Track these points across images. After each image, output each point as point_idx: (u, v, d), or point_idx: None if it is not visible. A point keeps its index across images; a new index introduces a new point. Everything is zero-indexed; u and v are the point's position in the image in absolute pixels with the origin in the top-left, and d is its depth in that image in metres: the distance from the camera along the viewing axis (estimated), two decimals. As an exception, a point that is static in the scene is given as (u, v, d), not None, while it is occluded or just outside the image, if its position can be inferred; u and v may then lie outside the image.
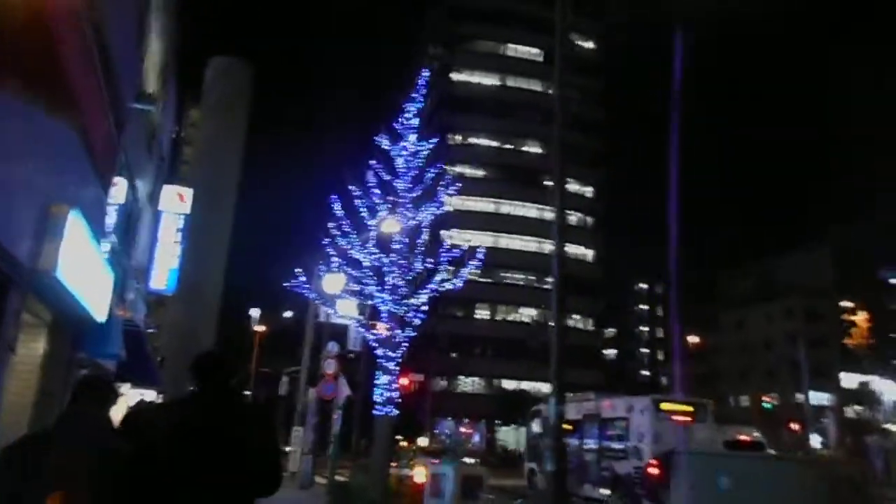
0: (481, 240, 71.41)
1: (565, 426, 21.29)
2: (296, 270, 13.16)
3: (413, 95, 13.53)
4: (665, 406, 16.79)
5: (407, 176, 13.30)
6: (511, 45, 74.77)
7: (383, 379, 12.34)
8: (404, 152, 13.26)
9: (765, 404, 50.55)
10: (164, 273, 13.97)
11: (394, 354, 12.39)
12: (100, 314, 8.95)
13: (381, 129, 13.56)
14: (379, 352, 12.58)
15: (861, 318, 42.05)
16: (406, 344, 12.54)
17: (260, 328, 47.73)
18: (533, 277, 68.85)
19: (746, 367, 74.71)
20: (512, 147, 71.86)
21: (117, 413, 3.41)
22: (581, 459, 18.62)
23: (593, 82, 73.23)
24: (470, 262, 12.91)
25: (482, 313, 68.06)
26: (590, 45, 75.54)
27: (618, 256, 76.56)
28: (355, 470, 16.10)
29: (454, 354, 62.17)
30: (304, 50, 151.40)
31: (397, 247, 12.76)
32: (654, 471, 15.82)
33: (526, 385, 63.19)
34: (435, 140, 13.97)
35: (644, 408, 16.44)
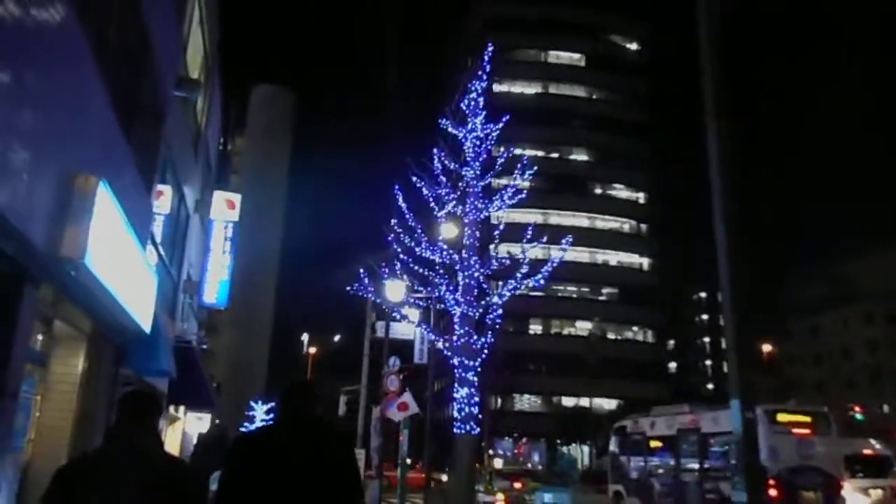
0: (531, 252, 69.92)
1: (654, 443, 19.43)
2: (360, 270, 11.80)
3: (478, 73, 12.15)
4: (781, 417, 14.77)
5: (476, 162, 11.88)
6: (553, 52, 73.31)
7: (462, 392, 10.82)
8: (472, 135, 11.85)
9: (856, 416, 46.99)
10: (214, 285, 12.80)
11: (472, 363, 10.88)
12: (145, 322, 7.70)
13: (444, 113, 12.20)
14: (455, 361, 11.08)
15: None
16: (486, 351, 11.03)
17: (312, 350, 46.86)
18: (587, 289, 66.62)
19: (822, 377, 70.42)
20: (558, 156, 69.94)
21: (170, 434, 2.42)
22: (677, 480, 16.68)
23: (639, 84, 71.19)
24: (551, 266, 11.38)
25: (535, 328, 65.97)
26: (634, 46, 73.62)
27: (673, 264, 73.40)
28: (431, 496, 14.60)
29: (508, 371, 60.03)
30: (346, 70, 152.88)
31: (468, 242, 11.32)
32: (773, 493, 13.85)
33: (584, 401, 60.79)
34: (506, 118, 12.51)
35: (757, 419, 14.46)
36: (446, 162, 12.06)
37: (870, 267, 69.46)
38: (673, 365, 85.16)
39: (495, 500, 14.19)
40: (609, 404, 61.22)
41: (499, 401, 60.52)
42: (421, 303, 12.31)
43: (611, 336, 64.53)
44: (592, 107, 71.54)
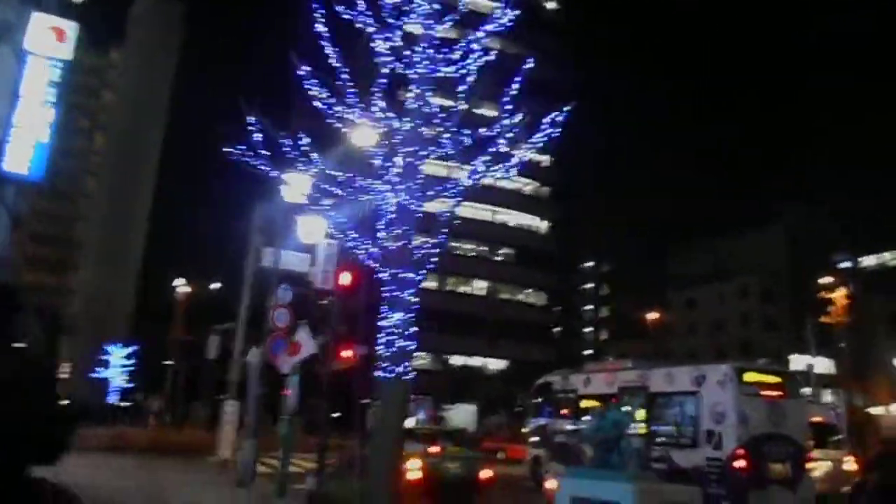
0: (431, 206, 66.98)
1: (588, 402, 17.00)
2: (251, 126, 7.86)
3: None
4: (750, 377, 12.53)
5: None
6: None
7: (394, 317, 7.49)
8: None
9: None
10: (25, 147, 8.55)
11: (412, 276, 7.56)
12: None
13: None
14: (385, 275, 7.70)
15: (840, 294, 39.52)
16: (435, 256, 7.74)
17: (184, 290, 41.72)
18: (485, 248, 64.74)
19: (695, 346, 73.07)
20: (467, 107, 66.75)
21: None
22: (587, 437, 14.25)
23: (556, 45, 69.21)
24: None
25: (430, 283, 63.40)
26: (552, 4, 71.47)
27: (569, 231, 73.02)
28: (337, 463, 11.28)
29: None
30: None
31: (415, 105, 7.87)
32: (740, 463, 11.59)
33: (474, 361, 59.32)
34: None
35: (723, 378, 12.12)
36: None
37: (746, 246, 72.54)
38: (557, 329, 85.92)
39: (406, 467, 11.00)
40: (498, 365, 60.13)
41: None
42: (330, 213, 8.55)
43: (504, 297, 63.16)
44: (505, 62, 68.81)
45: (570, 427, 15.93)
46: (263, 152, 7.97)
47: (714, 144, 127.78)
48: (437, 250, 7.74)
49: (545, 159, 69.40)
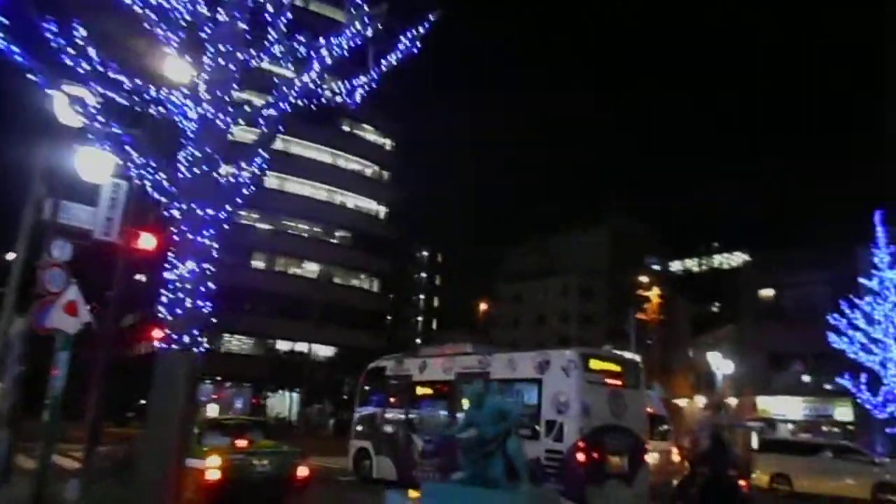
0: (265, 181, 62.79)
1: (423, 389, 15.68)
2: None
3: None
4: (596, 364, 11.81)
5: None
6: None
7: (184, 268, 5.50)
8: None
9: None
10: None
11: (214, 213, 5.61)
12: None
13: None
14: (174, 211, 5.68)
15: (654, 293, 42.21)
16: (245, 189, 5.83)
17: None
18: (319, 229, 61.98)
19: (518, 339, 75.77)
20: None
21: None
22: (451, 436, 13.05)
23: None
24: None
25: (258, 263, 59.58)
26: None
27: (407, 219, 72.31)
28: (111, 461, 8.89)
29: (220, 307, 52.76)
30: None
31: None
32: (581, 457, 10.81)
33: (300, 346, 56.53)
34: None
35: (568, 365, 11.31)
36: None
37: (574, 245, 76.67)
38: (389, 317, 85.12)
39: (204, 466, 8.94)
40: (326, 351, 57.83)
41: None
42: (113, 133, 6.22)
43: (338, 281, 60.89)
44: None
45: (400, 416, 14.54)
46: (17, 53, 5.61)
47: (555, 146, 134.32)
48: (249, 183, 5.82)
49: (387, 143, 68.08)
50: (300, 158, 61.27)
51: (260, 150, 5.90)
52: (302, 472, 10.41)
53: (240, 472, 9.57)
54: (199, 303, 5.53)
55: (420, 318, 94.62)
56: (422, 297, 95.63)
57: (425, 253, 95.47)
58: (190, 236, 5.60)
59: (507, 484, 5.29)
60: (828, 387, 29.61)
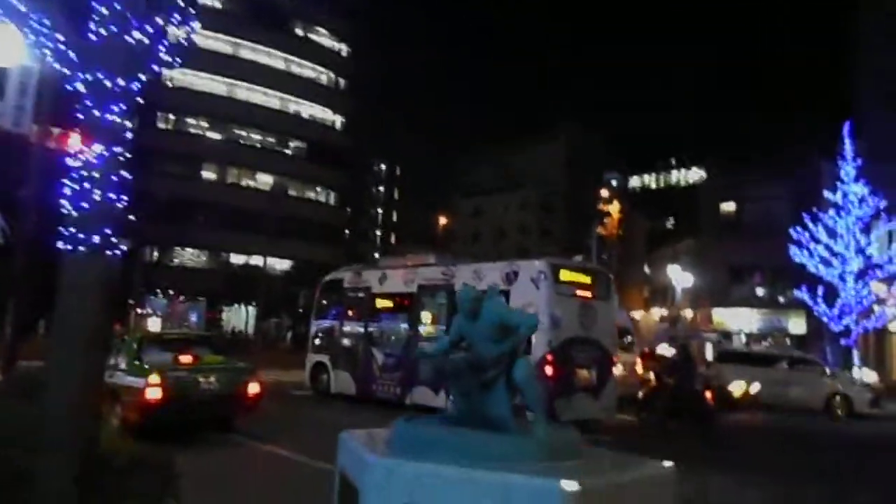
0: (213, 87, 59.48)
1: (383, 301, 14.98)
2: None
3: None
4: (566, 275, 11.19)
5: None
6: None
7: (91, 152, 4.45)
8: None
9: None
10: None
11: (126, 84, 4.51)
12: None
13: None
14: (78, 85, 4.55)
15: (615, 209, 42.06)
16: (164, 54, 4.71)
17: None
18: (273, 139, 59.51)
19: (478, 253, 75.79)
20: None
21: None
22: (411, 350, 12.49)
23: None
24: None
25: (209, 175, 57.27)
26: None
27: (364, 130, 69.87)
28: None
29: (170, 220, 50.82)
30: None
31: None
32: (549, 370, 10.35)
33: (255, 260, 55.29)
34: None
35: (538, 275, 10.68)
36: None
37: (529, 158, 75.81)
38: (346, 231, 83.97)
39: (144, 384, 8.10)
40: (282, 265, 56.75)
41: (155, 253, 51.49)
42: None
43: (293, 193, 59.08)
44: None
45: (359, 329, 13.88)
46: None
47: (508, 55, 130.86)
48: (168, 45, 4.68)
49: (343, 48, 64.80)
50: (250, 63, 57.92)
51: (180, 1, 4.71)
52: (253, 388, 9.70)
53: (183, 390, 8.79)
54: (111, 195, 4.50)
55: (378, 233, 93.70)
56: (380, 210, 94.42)
57: (383, 166, 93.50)
58: (97, 113, 4.50)
59: (515, 425, 3.35)
60: (781, 299, 30.18)
